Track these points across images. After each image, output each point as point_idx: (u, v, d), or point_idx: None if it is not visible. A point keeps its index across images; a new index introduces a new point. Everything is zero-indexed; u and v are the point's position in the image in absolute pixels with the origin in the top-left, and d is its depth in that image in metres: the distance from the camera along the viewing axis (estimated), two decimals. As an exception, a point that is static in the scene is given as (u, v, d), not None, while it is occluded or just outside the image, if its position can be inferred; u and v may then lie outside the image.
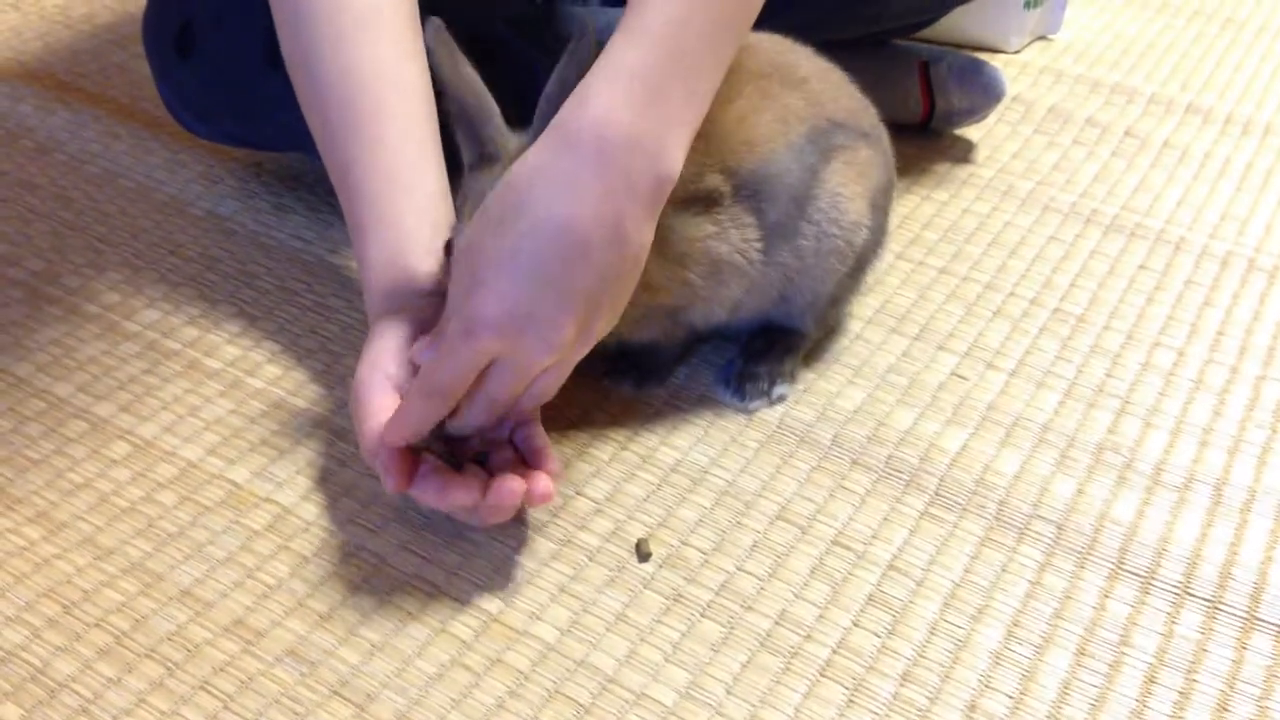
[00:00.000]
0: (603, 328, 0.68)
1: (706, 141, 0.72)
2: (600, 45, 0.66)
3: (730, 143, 0.74)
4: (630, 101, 0.63)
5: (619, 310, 0.68)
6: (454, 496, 0.67)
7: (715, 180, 0.74)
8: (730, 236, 0.75)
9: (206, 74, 0.95)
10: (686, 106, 0.65)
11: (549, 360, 0.65)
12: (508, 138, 0.71)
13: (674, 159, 0.64)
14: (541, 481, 0.68)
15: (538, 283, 0.62)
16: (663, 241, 0.71)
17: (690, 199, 0.73)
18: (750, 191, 0.75)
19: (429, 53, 0.70)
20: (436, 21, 0.70)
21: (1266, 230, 1.06)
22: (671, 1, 0.65)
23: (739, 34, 0.69)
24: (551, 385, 0.69)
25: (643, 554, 0.73)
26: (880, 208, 0.84)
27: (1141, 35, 1.37)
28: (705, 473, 0.79)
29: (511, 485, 0.67)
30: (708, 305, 0.78)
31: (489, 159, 0.71)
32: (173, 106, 1.00)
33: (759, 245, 0.77)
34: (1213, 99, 1.25)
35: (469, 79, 0.71)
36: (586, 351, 0.68)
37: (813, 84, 0.79)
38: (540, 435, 0.71)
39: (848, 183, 0.79)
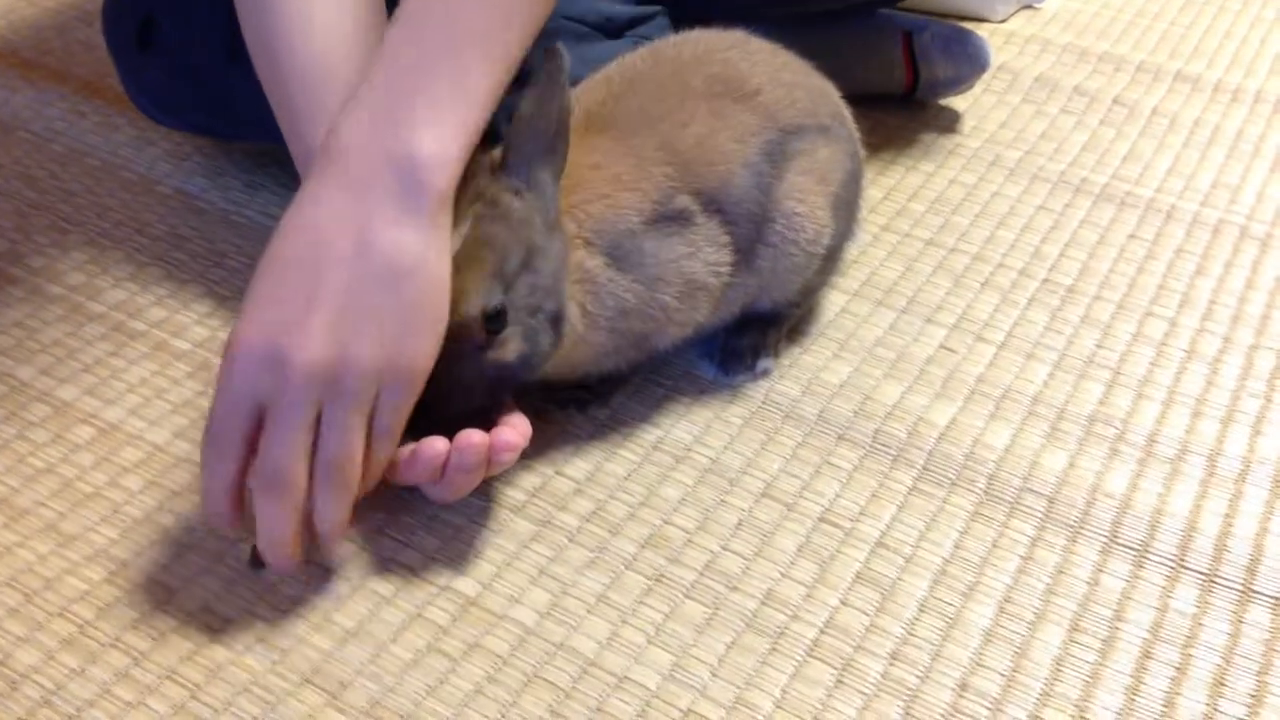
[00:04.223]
0: (374, 348, 0.60)
1: (672, 167, 0.72)
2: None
3: (694, 166, 0.73)
4: (368, 117, 0.62)
5: (413, 329, 0.61)
6: (422, 454, 0.64)
7: (684, 201, 0.72)
8: (704, 254, 0.73)
9: (169, 66, 0.93)
10: (443, 109, 0.62)
11: (306, 378, 0.58)
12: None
13: (427, 160, 0.61)
14: (504, 432, 0.65)
15: (281, 292, 0.60)
16: (638, 266, 0.71)
17: (660, 218, 0.72)
18: (718, 208, 0.73)
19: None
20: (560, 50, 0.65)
21: (1258, 197, 1.04)
22: (413, 17, 0.65)
23: (503, 32, 0.66)
24: (343, 430, 0.60)
25: (258, 562, 0.65)
26: (846, 202, 0.82)
27: (1129, 3, 1.34)
28: (688, 450, 0.77)
29: (472, 437, 0.63)
30: (680, 329, 0.76)
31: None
32: (136, 98, 0.98)
33: (730, 262, 0.75)
34: (1201, 66, 1.23)
35: None
36: (369, 384, 0.60)
37: (765, 94, 0.76)
38: (517, 415, 0.69)
39: (805, 195, 0.77)
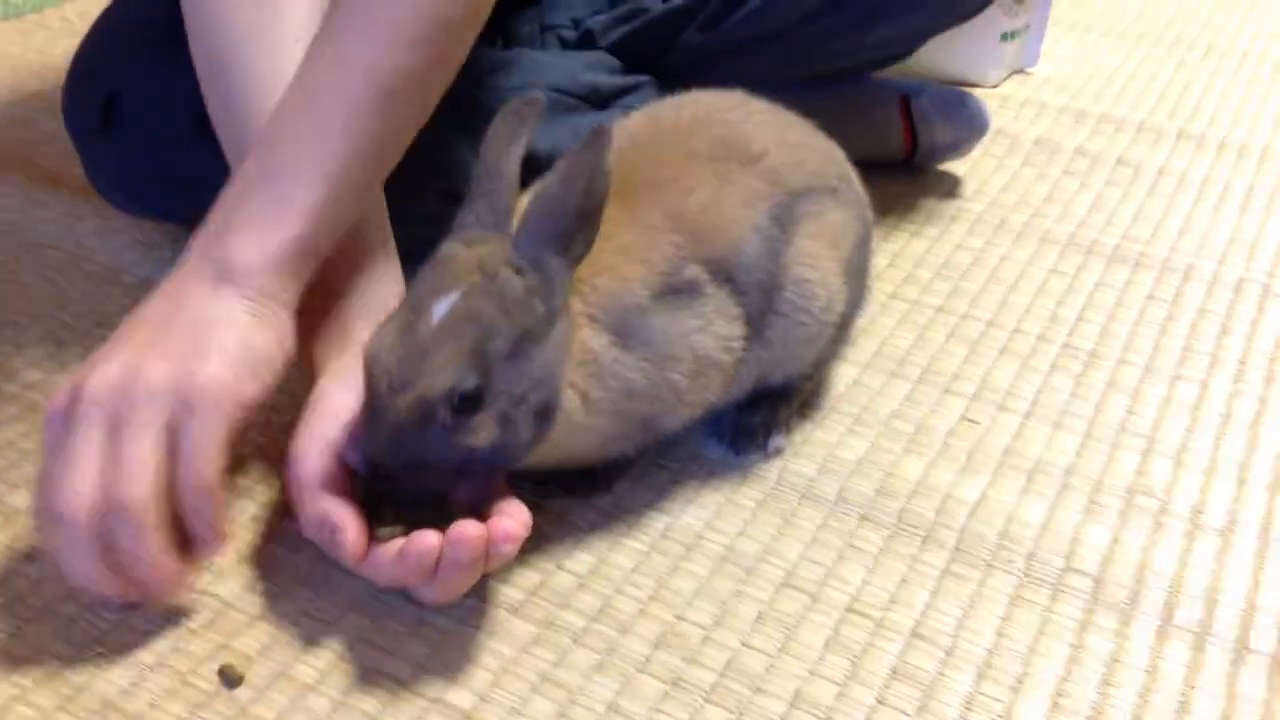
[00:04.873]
0: (163, 366, 0.61)
1: (679, 234, 0.67)
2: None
3: (701, 233, 0.68)
4: (209, 229, 0.67)
5: (203, 351, 0.62)
6: (412, 551, 0.59)
7: (693, 271, 0.67)
8: (715, 327, 0.68)
9: (132, 149, 0.90)
10: (260, 221, 0.66)
11: (95, 399, 0.60)
12: (500, 218, 0.64)
13: (237, 266, 0.65)
14: (502, 522, 0.60)
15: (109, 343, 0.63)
16: (646, 344, 0.66)
17: (669, 291, 0.67)
18: (727, 277, 0.69)
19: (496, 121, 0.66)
20: (537, 98, 0.67)
21: (1277, 254, 1.00)
22: (272, 129, 0.68)
23: (337, 144, 0.67)
24: (134, 440, 0.60)
25: (231, 680, 0.62)
26: (857, 267, 0.77)
27: (1123, 65, 1.32)
28: (700, 537, 0.71)
29: (468, 529, 0.59)
30: (691, 410, 0.70)
31: (461, 228, 0.64)
32: (99, 185, 0.95)
33: (741, 336, 0.70)
34: (1203, 125, 1.20)
35: (509, 156, 0.65)
36: (158, 398, 0.60)
37: (771, 157, 0.72)
38: (513, 502, 0.63)
39: (817, 262, 0.72)
